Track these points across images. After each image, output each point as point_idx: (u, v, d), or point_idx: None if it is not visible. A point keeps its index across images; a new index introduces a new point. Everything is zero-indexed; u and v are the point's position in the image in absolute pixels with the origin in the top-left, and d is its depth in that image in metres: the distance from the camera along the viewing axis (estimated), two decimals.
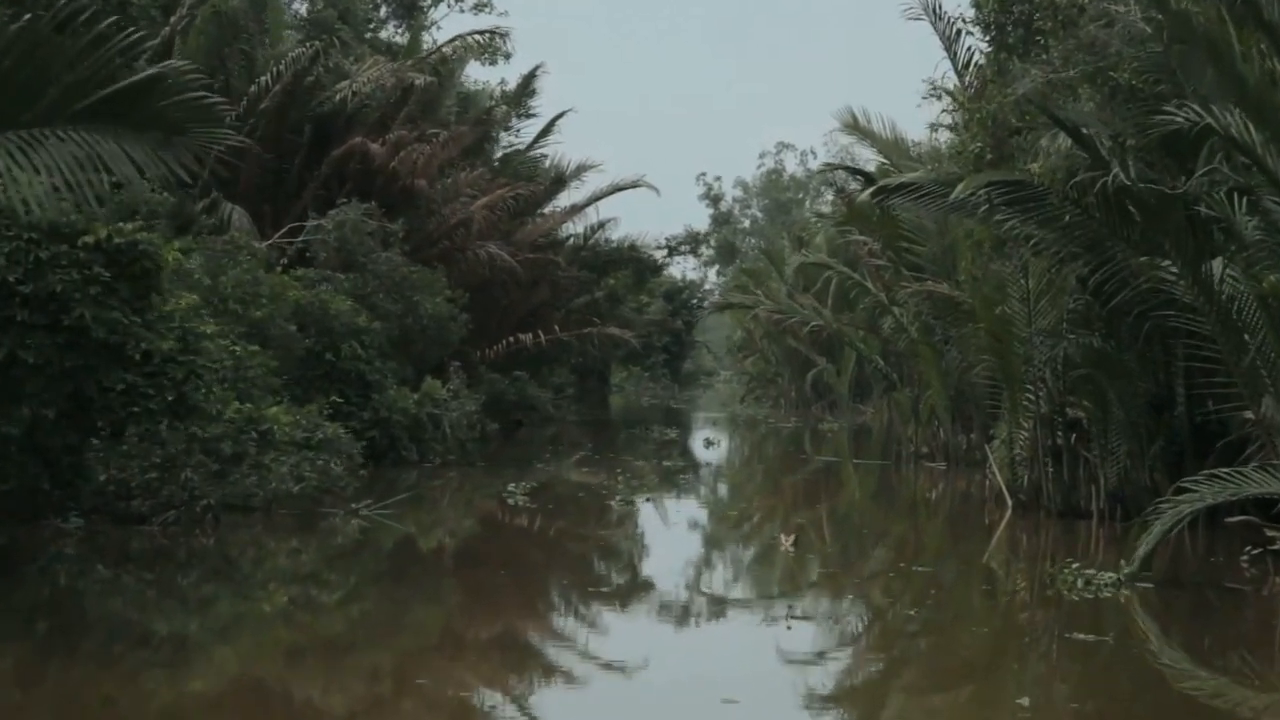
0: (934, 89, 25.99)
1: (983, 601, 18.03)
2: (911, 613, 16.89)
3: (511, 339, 44.35)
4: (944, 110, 28.34)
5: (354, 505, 21.80)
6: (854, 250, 40.21)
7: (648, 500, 26.39)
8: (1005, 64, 23.10)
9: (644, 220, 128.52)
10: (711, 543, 23.46)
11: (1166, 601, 17.10)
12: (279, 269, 29.11)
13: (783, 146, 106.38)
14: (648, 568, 20.45)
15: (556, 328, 46.31)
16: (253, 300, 27.42)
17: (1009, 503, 24.93)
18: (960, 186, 20.65)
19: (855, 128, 36.63)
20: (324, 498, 21.97)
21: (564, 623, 16.40)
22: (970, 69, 26.34)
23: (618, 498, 26.18)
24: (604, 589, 18.20)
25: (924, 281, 29.63)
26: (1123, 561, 17.62)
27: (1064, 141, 20.81)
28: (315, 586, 17.40)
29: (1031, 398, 23.61)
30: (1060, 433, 23.80)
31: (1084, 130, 19.32)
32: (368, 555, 19.98)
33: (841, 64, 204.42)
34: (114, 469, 19.19)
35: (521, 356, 45.36)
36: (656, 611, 16.72)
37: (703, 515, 27.21)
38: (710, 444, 46.31)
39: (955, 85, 27.29)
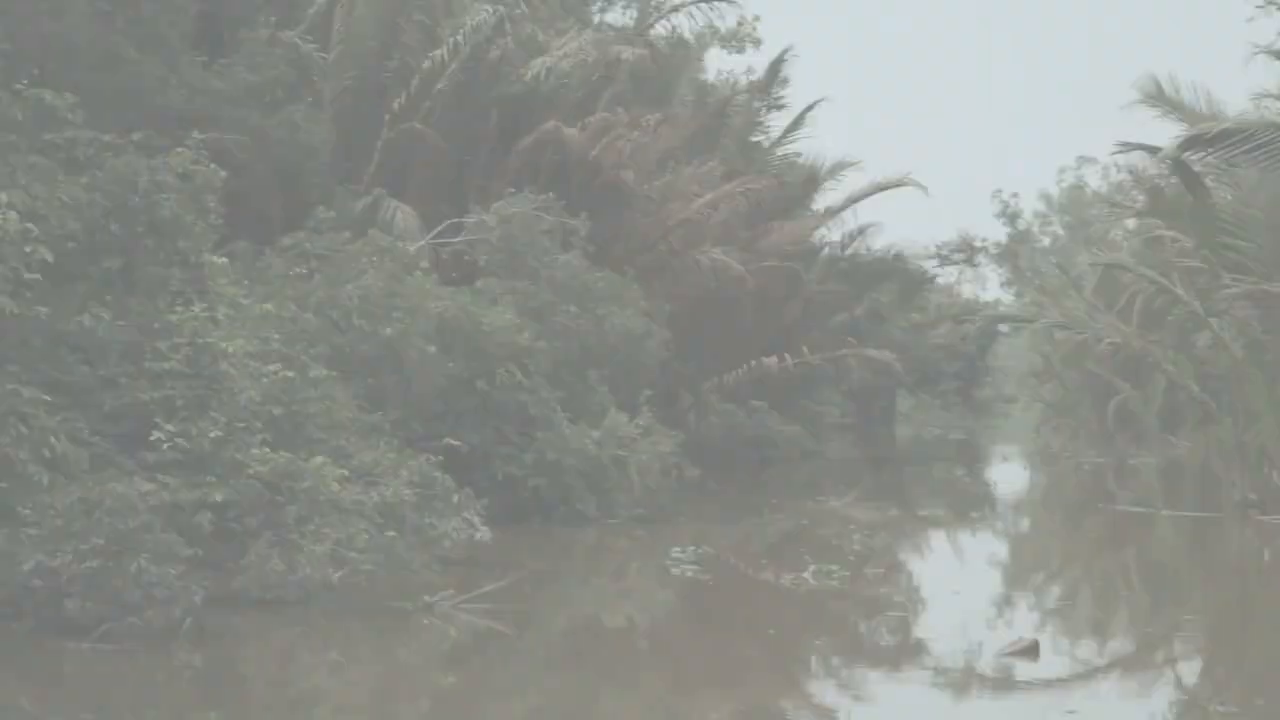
0: None
1: None
2: None
3: (753, 363, 38.70)
4: None
5: (428, 597, 15.60)
6: (1161, 254, 34.18)
7: (845, 576, 19.16)
8: None
9: (912, 231, 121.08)
10: (897, 658, 15.64)
11: None
12: (419, 274, 23.61)
13: (1083, 160, 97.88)
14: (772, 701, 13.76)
15: (806, 349, 40.29)
16: (383, 315, 22.73)
17: None
18: None
19: (1160, 98, 31.42)
20: (425, 581, 16.22)
21: None
22: None
23: (810, 569, 19.13)
24: None
25: (1253, 284, 26.44)
26: None
27: None
28: None
29: None
30: None
31: None
32: (394, 680, 13.83)
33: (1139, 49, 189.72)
34: (41, 554, 13.26)
35: (768, 384, 39.98)
36: None
37: (918, 606, 19.22)
38: (991, 484, 41.13)
39: None
